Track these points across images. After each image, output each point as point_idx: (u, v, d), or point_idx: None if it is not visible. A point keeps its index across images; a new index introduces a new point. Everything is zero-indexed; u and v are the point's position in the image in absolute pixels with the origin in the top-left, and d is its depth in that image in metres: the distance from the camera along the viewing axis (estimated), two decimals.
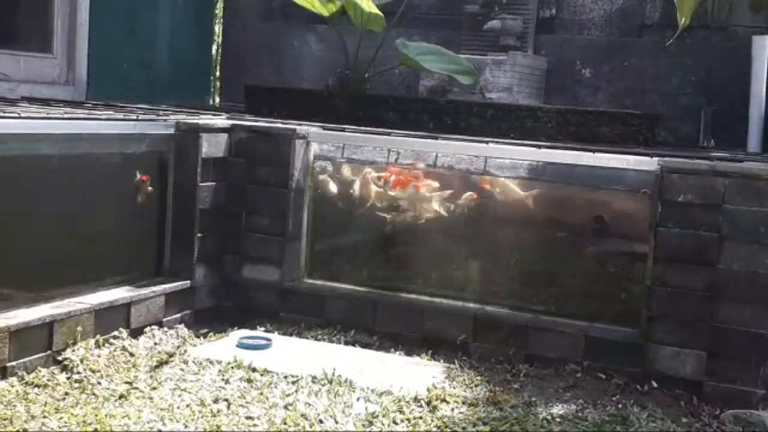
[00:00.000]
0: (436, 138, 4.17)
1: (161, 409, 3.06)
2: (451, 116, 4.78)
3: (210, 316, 4.15)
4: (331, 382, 3.38)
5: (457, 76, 5.14)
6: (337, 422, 3.04)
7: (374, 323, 4.03)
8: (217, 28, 6.76)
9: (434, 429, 3.04)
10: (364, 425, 3.03)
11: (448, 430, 3.04)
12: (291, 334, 4.02)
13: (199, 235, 4.11)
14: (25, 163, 3.47)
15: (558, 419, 3.21)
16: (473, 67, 5.19)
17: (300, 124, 4.34)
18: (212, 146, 4.14)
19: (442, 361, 3.76)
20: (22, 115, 3.55)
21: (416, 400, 3.27)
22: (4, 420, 2.88)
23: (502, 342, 3.82)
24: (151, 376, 3.38)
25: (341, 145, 4.28)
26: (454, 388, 3.44)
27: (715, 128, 5.36)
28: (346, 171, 4.29)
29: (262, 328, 4.06)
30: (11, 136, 3.40)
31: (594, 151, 3.87)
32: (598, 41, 5.81)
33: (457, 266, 4.11)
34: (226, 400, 3.18)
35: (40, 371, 3.28)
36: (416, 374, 3.57)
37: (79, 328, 3.47)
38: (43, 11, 5.29)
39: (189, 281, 4.08)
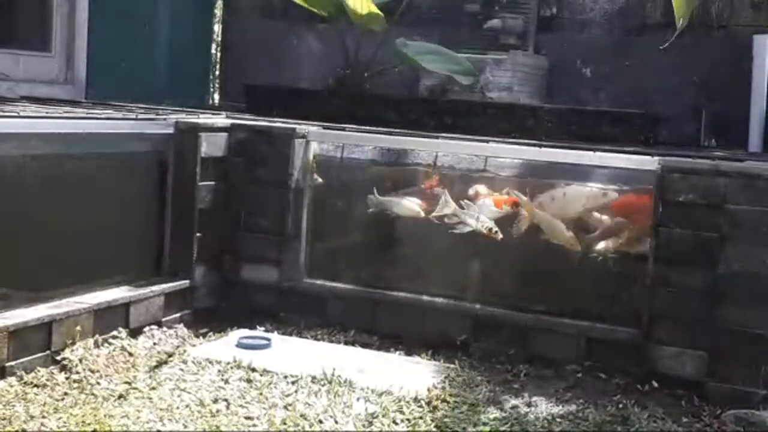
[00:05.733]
0: (437, 137, 4.16)
1: (160, 409, 3.05)
2: (451, 116, 4.77)
3: (209, 316, 4.14)
4: (330, 382, 3.37)
5: (456, 76, 5.13)
6: (336, 422, 3.03)
7: (374, 323, 4.02)
8: (217, 28, 6.75)
9: (434, 429, 3.03)
10: (364, 425, 3.02)
11: (448, 430, 3.03)
12: (290, 334, 4.02)
13: (198, 234, 4.10)
14: (24, 162, 3.46)
15: (558, 419, 3.20)
16: (473, 66, 5.18)
17: (300, 124, 4.33)
18: (211, 146, 4.13)
19: (442, 361, 3.75)
20: (21, 114, 3.54)
21: (416, 400, 3.26)
22: (3, 420, 2.87)
23: (502, 342, 3.81)
24: (150, 376, 3.37)
25: (341, 145, 4.27)
26: (454, 388, 3.43)
27: (716, 128, 5.35)
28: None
29: (262, 328, 4.05)
30: (10, 136, 3.38)
31: (595, 151, 3.86)
32: (599, 40, 5.80)
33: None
34: (225, 400, 3.17)
35: (39, 371, 3.27)
36: (416, 374, 3.56)
37: (78, 328, 3.46)
38: (42, 10, 5.28)
39: (188, 281, 4.07)
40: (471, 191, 4.06)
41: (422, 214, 4.08)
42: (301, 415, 3.06)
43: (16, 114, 3.51)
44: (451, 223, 3.99)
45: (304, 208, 4.22)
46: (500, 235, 3.89)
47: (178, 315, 4.00)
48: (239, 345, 3.78)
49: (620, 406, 3.36)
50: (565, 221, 3.86)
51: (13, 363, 3.21)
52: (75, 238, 3.66)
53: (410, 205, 4.13)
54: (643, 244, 3.71)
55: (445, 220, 4.01)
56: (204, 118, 4.30)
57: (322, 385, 3.35)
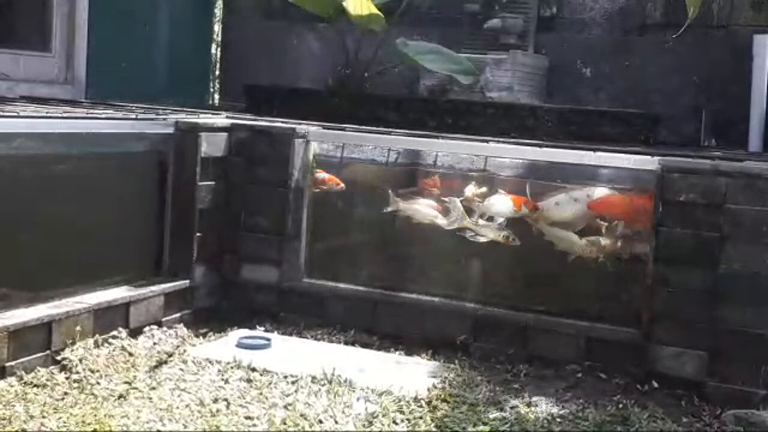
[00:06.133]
0: (437, 137, 4.16)
1: (160, 409, 3.05)
2: (452, 115, 4.77)
3: (209, 316, 4.14)
4: (330, 382, 3.37)
5: (457, 76, 5.13)
6: (336, 422, 3.03)
7: (374, 323, 4.02)
8: (217, 28, 6.75)
9: (434, 429, 3.03)
10: (364, 425, 3.02)
11: (448, 430, 3.03)
12: (290, 334, 4.01)
13: (198, 234, 4.10)
14: (24, 162, 3.46)
15: (558, 419, 3.20)
16: (473, 66, 5.18)
17: (300, 124, 4.33)
18: (212, 146, 4.13)
19: (442, 360, 3.75)
20: (21, 114, 3.54)
21: (416, 399, 3.26)
22: (3, 420, 2.87)
23: (502, 342, 3.82)
24: (150, 376, 3.37)
25: (341, 145, 4.27)
26: (454, 388, 3.43)
27: (716, 128, 5.35)
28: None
29: (262, 328, 4.05)
30: (10, 135, 3.38)
31: (595, 151, 3.86)
32: (599, 40, 5.80)
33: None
34: (225, 400, 3.16)
35: (39, 371, 3.27)
36: (416, 374, 3.56)
37: (78, 328, 3.46)
38: (43, 10, 5.28)
39: (188, 281, 4.07)
40: (468, 192, 4.06)
41: (442, 222, 4.04)
42: (301, 415, 3.06)
43: (16, 114, 3.51)
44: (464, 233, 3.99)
45: (304, 208, 4.22)
46: (518, 242, 3.88)
47: (178, 315, 4.00)
48: (239, 345, 3.77)
49: (620, 406, 3.36)
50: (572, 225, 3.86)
51: (13, 363, 3.21)
52: (75, 238, 3.66)
53: (430, 212, 4.09)
54: (629, 243, 3.72)
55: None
56: (204, 118, 4.30)
57: (322, 385, 3.35)
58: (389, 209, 4.18)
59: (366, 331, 4.01)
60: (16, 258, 3.39)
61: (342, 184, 4.27)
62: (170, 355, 3.62)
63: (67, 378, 3.28)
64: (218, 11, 6.78)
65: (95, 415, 2.95)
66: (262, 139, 4.21)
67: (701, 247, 3.49)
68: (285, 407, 3.13)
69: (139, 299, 3.78)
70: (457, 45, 5.52)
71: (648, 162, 3.69)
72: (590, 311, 3.79)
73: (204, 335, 3.94)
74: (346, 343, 3.94)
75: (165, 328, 3.88)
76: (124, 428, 2.88)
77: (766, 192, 3.41)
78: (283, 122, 4.41)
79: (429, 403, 3.23)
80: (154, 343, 3.74)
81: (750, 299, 3.43)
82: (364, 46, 5.24)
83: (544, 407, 3.30)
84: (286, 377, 3.42)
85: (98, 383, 3.26)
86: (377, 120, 4.64)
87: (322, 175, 4.27)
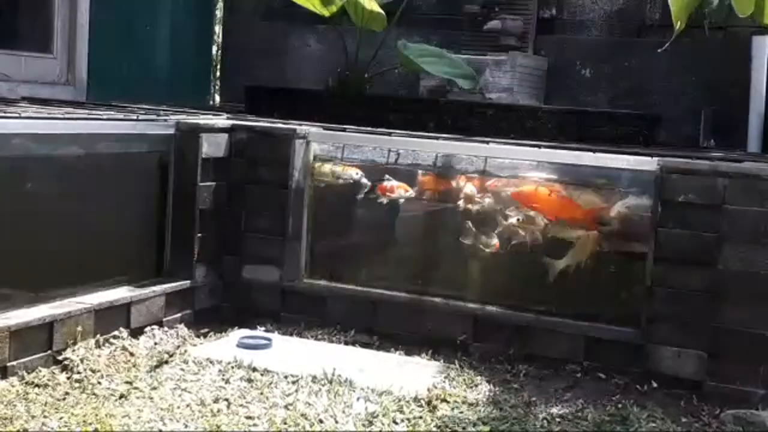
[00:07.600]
0: (437, 138, 4.17)
1: (161, 409, 3.06)
2: (451, 116, 4.78)
3: (210, 316, 4.15)
4: (331, 382, 3.38)
5: (457, 80, 5.14)
6: (337, 422, 3.04)
7: (374, 323, 4.03)
8: (217, 28, 6.77)
9: (434, 429, 3.04)
10: (364, 425, 3.03)
11: (448, 429, 3.04)
12: (291, 334, 4.03)
13: (199, 235, 4.11)
14: (25, 163, 3.47)
15: (558, 419, 3.20)
16: (473, 70, 5.19)
17: (300, 124, 4.34)
18: (212, 146, 4.14)
19: (442, 360, 3.76)
20: (23, 115, 3.55)
21: (416, 399, 3.27)
22: (5, 420, 2.88)
23: (502, 342, 3.82)
24: (151, 376, 3.38)
25: (341, 145, 4.28)
26: (454, 387, 3.44)
27: (715, 128, 5.36)
28: None
29: (263, 328, 4.06)
30: (12, 136, 3.39)
31: (594, 151, 3.87)
32: (599, 41, 5.82)
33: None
34: (226, 399, 3.18)
35: (40, 371, 3.28)
36: (416, 374, 3.57)
37: (79, 328, 3.47)
38: (44, 12, 5.29)
39: (189, 281, 4.08)
40: (467, 191, 4.06)
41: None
42: (302, 415, 3.07)
43: (17, 115, 3.52)
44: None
45: (304, 208, 4.23)
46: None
47: (179, 315, 4.01)
48: (240, 345, 3.78)
49: (619, 405, 3.37)
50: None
51: (14, 363, 3.22)
52: (76, 238, 3.67)
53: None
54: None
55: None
56: (205, 119, 4.31)
57: (323, 385, 3.36)
58: (467, 241, 4.04)
59: (366, 331, 4.02)
60: (17, 258, 3.40)
61: (408, 190, 4.14)
62: (171, 355, 3.63)
63: (68, 378, 3.29)
64: (218, 12, 6.80)
65: (96, 415, 2.96)
66: (263, 140, 4.22)
67: (700, 247, 3.51)
68: (285, 407, 3.14)
69: (140, 299, 3.79)
70: (457, 46, 5.54)
71: (647, 163, 3.70)
72: (589, 311, 3.80)
73: (205, 335, 3.95)
74: (346, 343, 3.95)
75: (166, 328, 3.89)
76: (125, 428, 2.89)
77: (765, 192, 3.42)
78: (283, 123, 4.42)
79: (429, 402, 3.24)
80: (155, 343, 3.75)
81: (749, 299, 3.44)
82: (364, 47, 5.25)
83: (543, 407, 3.31)
84: (286, 377, 3.43)
85: (99, 383, 3.27)
86: (377, 121, 4.64)
87: (389, 182, 4.19)
